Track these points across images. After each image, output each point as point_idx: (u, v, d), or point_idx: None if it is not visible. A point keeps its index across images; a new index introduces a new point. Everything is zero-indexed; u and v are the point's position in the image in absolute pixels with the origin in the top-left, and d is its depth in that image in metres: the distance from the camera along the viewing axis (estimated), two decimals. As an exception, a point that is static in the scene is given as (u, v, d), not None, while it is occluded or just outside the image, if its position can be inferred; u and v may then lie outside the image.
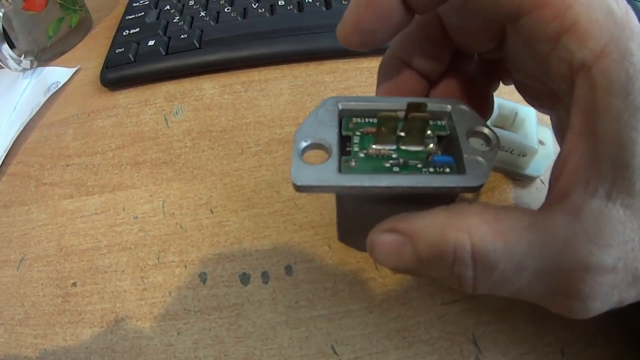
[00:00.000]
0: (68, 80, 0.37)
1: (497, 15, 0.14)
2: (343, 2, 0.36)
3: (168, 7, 0.39)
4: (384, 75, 0.19)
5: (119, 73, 0.34)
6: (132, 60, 0.35)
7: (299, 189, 0.15)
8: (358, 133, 0.17)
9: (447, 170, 0.15)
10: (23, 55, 0.37)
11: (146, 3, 0.41)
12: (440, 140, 0.17)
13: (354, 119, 0.17)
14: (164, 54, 0.35)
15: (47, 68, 0.38)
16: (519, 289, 0.14)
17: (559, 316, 0.15)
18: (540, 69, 0.15)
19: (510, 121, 0.25)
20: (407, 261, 0.15)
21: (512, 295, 0.14)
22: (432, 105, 0.17)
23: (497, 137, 0.16)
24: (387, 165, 0.16)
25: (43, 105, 0.34)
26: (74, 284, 0.24)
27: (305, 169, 0.15)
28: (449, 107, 0.17)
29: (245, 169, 0.28)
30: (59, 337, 0.22)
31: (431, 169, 0.15)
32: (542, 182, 0.25)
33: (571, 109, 0.14)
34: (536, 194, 0.25)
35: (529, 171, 0.25)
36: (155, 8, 0.40)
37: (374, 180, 0.14)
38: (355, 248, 0.22)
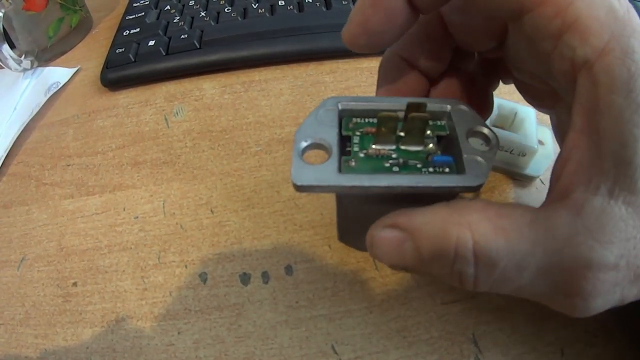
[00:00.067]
0: (68, 81, 0.37)
1: (499, 13, 0.14)
2: (343, 2, 0.36)
3: (168, 7, 0.39)
4: (385, 75, 0.19)
5: (119, 73, 0.34)
6: (133, 60, 0.35)
7: (299, 189, 0.15)
8: (358, 133, 0.17)
9: (447, 170, 0.15)
10: (23, 56, 0.37)
11: (146, 3, 0.41)
12: (439, 140, 0.17)
13: (354, 119, 0.17)
14: (164, 54, 0.35)
15: (47, 68, 0.38)
16: (520, 286, 0.14)
17: (559, 316, 0.15)
18: (542, 68, 0.15)
19: (510, 121, 0.25)
20: (408, 257, 0.14)
21: (513, 293, 0.14)
22: (432, 105, 0.17)
23: (496, 137, 0.16)
24: (387, 165, 0.16)
25: (43, 105, 0.34)
26: (75, 284, 0.24)
27: (305, 169, 0.15)
28: (448, 107, 0.17)
29: (246, 169, 0.28)
30: (59, 337, 0.22)
31: (431, 169, 0.15)
32: (542, 182, 0.25)
33: (573, 107, 0.14)
34: (536, 194, 0.25)
35: (529, 171, 0.25)
36: (156, 8, 0.40)
37: (374, 180, 0.14)
38: (355, 248, 0.22)
